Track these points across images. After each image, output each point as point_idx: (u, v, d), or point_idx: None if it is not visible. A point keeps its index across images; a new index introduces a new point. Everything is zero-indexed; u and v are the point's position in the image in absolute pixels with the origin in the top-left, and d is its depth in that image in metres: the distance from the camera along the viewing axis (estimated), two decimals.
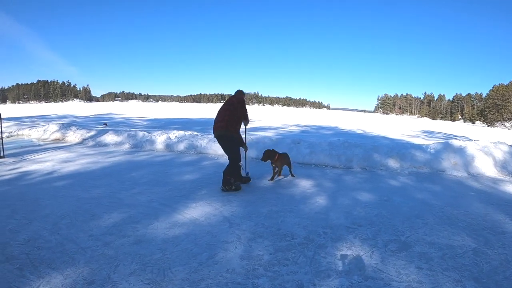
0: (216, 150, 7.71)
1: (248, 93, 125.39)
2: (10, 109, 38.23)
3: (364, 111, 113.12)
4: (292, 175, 5.68)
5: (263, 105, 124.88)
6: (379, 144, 7.32)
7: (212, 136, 8.66)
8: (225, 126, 4.82)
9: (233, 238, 3.21)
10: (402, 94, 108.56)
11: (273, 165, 5.40)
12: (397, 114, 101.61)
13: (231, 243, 3.08)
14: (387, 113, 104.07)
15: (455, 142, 6.74)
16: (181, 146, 8.23)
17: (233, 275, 2.53)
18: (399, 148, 6.89)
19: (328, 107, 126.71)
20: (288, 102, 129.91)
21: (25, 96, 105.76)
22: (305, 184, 5.26)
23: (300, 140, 7.57)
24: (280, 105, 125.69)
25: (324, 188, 5.04)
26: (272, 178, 5.42)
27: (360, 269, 2.64)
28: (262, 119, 25.89)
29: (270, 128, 16.85)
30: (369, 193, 4.84)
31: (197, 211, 3.94)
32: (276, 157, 5.35)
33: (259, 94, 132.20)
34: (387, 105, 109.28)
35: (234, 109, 4.87)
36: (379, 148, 6.90)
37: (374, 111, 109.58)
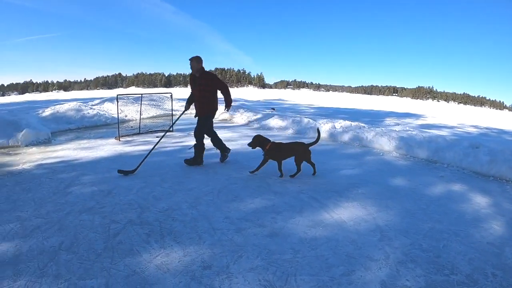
0: (382, 145, 7.15)
1: (422, 87, 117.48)
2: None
3: None
4: (314, 173, 5.06)
5: (438, 101, 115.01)
6: None
7: (380, 129, 8.16)
8: None
9: (380, 255, 2.74)
10: None
11: (266, 156, 4.97)
12: None
13: (376, 262, 2.64)
14: None
15: None
16: (346, 137, 8.08)
17: None
18: None
19: (510, 109, 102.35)
20: (465, 99, 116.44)
21: None
22: (479, 201, 4.23)
23: (480, 144, 6.26)
24: (456, 102, 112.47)
25: (502, 211, 3.97)
26: (253, 171, 4.99)
27: None
28: (436, 116, 23.27)
29: (444, 127, 15.05)
30: None
31: (347, 213, 3.57)
32: (268, 146, 4.93)
33: (434, 89, 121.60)
34: None
35: None
36: None
37: None
